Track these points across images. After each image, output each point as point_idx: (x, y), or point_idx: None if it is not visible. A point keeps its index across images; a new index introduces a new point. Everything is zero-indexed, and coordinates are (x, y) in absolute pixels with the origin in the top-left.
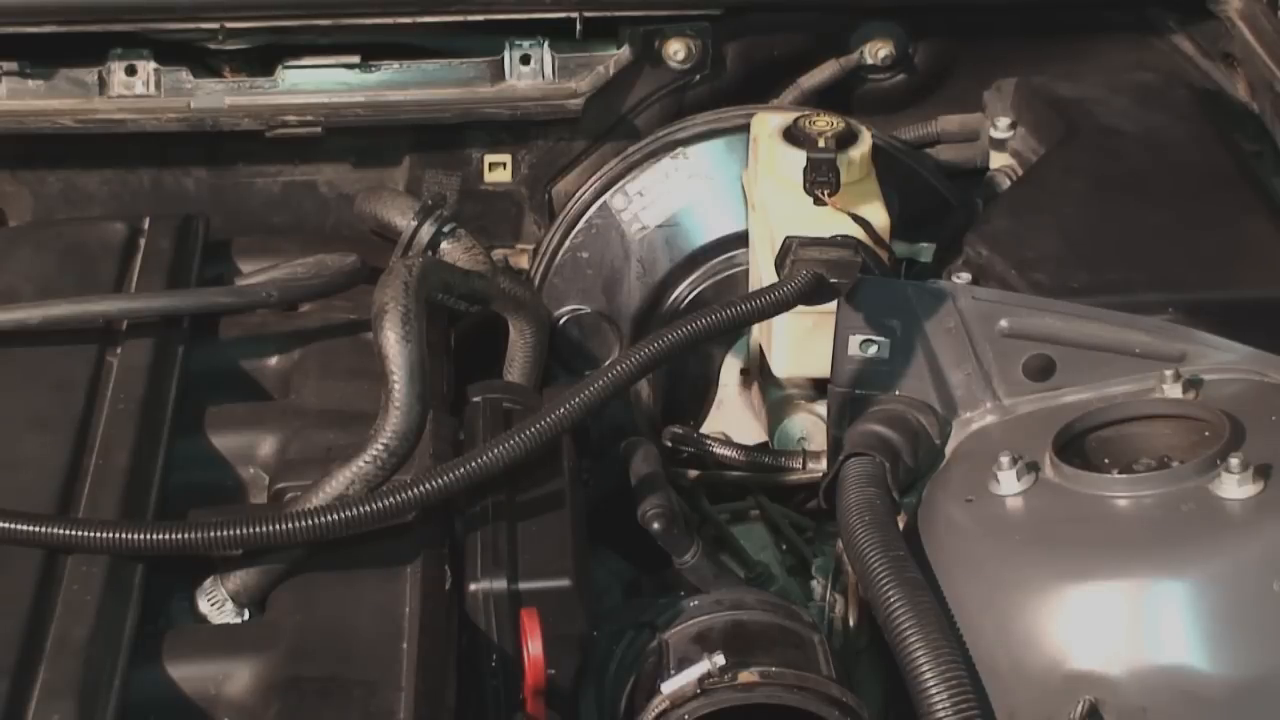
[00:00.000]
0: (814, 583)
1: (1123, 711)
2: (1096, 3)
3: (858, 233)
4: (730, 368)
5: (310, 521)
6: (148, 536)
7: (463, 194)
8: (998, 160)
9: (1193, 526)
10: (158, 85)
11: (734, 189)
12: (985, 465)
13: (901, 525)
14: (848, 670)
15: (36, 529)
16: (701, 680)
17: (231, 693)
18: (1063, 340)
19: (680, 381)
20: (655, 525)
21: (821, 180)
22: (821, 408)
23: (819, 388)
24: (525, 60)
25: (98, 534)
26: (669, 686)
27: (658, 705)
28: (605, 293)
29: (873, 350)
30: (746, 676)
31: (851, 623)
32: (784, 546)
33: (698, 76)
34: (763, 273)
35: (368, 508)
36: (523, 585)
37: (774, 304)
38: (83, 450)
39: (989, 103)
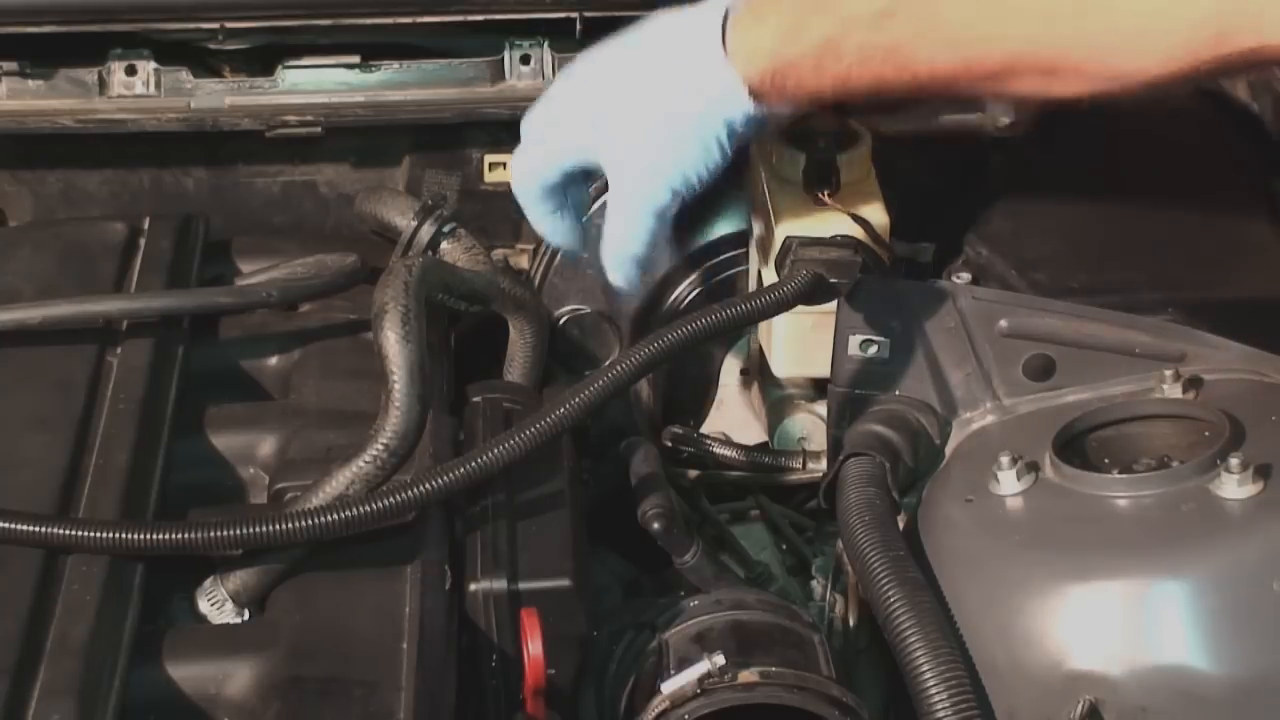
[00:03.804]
0: (814, 583)
1: (1123, 711)
2: None
3: (858, 233)
4: (730, 368)
5: (310, 521)
6: (148, 536)
7: (463, 194)
8: (998, 160)
9: (1193, 526)
10: (158, 85)
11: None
12: (985, 465)
13: (901, 525)
14: (848, 670)
15: (36, 529)
16: (701, 680)
17: (231, 693)
18: (1063, 340)
19: (680, 381)
20: (655, 525)
21: (821, 180)
22: (821, 408)
23: (819, 388)
24: (525, 60)
25: (98, 534)
26: (669, 686)
27: (658, 705)
28: (605, 293)
29: (873, 350)
30: (746, 676)
31: (851, 623)
32: (784, 546)
33: None
34: (763, 273)
35: (368, 508)
36: (523, 585)
37: (774, 304)
38: (83, 450)
39: (989, 103)
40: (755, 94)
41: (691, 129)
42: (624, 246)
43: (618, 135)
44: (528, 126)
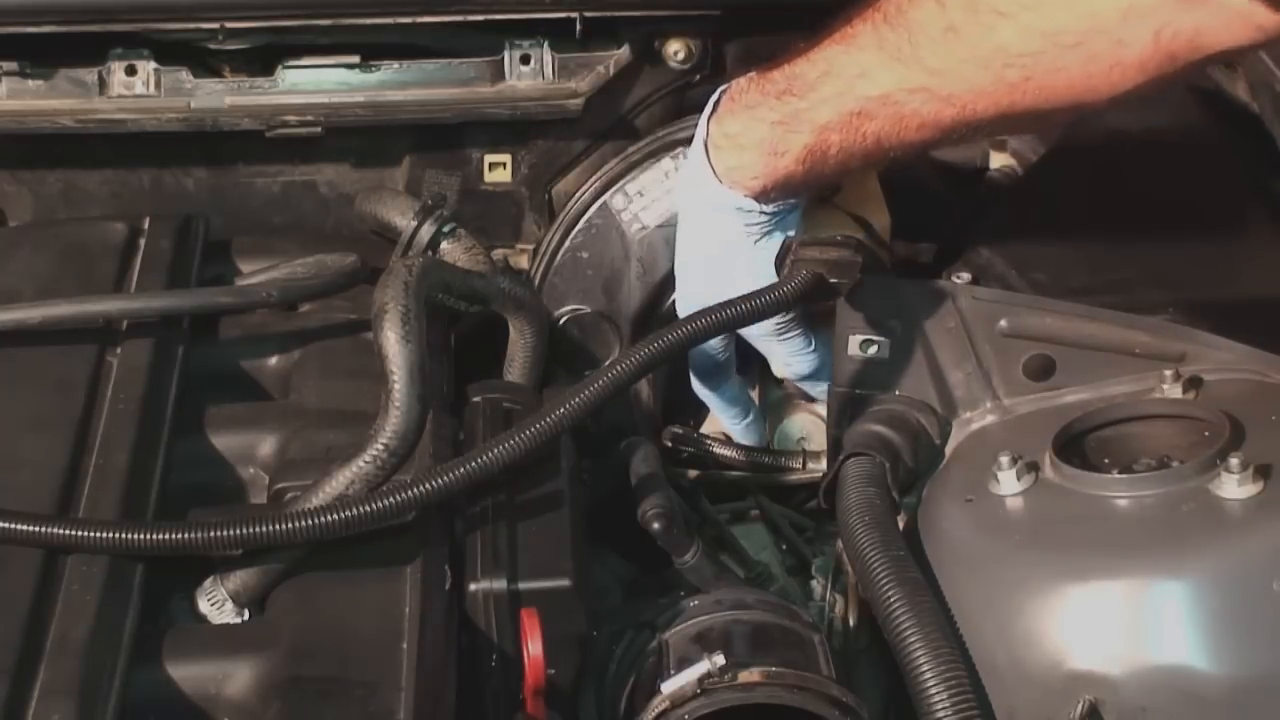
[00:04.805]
0: (814, 583)
1: (1123, 711)
2: None
3: (858, 233)
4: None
5: (310, 521)
6: (148, 536)
7: (463, 194)
8: (998, 160)
9: (1193, 526)
10: (158, 85)
11: None
12: (985, 465)
13: (901, 525)
14: (848, 670)
15: (36, 529)
16: (701, 680)
17: (231, 693)
18: (1063, 340)
19: (680, 381)
20: (655, 525)
21: None
22: (821, 408)
23: None
24: (525, 60)
25: (98, 534)
26: (669, 686)
27: (658, 705)
28: (605, 293)
29: (873, 350)
30: (747, 676)
31: (851, 623)
32: (784, 546)
33: (698, 76)
34: None
35: (368, 508)
36: (523, 585)
37: (774, 304)
38: (83, 450)
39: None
40: (762, 200)
41: (740, 257)
42: (788, 373)
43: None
44: None
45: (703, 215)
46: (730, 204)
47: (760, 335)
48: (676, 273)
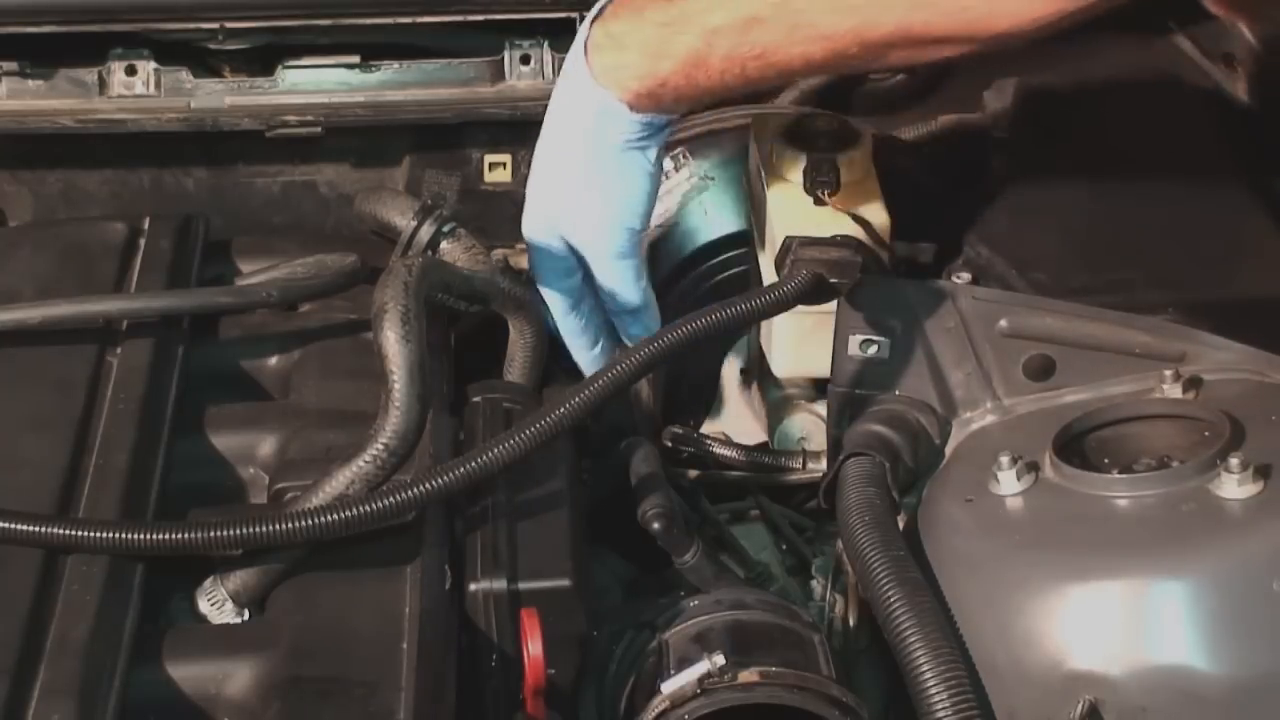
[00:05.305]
0: (814, 583)
1: (1123, 711)
2: None
3: (858, 233)
4: (730, 368)
5: (310, 521)
6: (148, 536)
7: (463, 194)
8: (998, 160)
9: (1193, 526)
10: (158, 85)
11: (734, 189)
12: (985, 465)
13: (901, 525)
14: (848, 670)
15: (36, 529)
16: (701, 680)
17: (231, 693)
18: (1063, 340)
19: (680, 381)
20: (655, 525)
21: (821, 180)
22: (821, 408)
23: (819, 388)
24: (525, 60)
25: (98, 534)
26: (669, 686)
27: (658, 705)
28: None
29: (873, 350)
30: (746, 676)
31: (851, 623)
32: (784, 546)
33: None
34: (765, 272)
35: (368, 508)
36: (523, 585)
37: (774, 304)
38: (83, 450)
39: (989, 103)
40: (634, 108)
41: (598, 165)
42: (611, 302)
43: (559, 211)
44: (525, 234)
45: (569, 118)
46: (602, 106)
47: (600, 254)
48: (530, 181)
